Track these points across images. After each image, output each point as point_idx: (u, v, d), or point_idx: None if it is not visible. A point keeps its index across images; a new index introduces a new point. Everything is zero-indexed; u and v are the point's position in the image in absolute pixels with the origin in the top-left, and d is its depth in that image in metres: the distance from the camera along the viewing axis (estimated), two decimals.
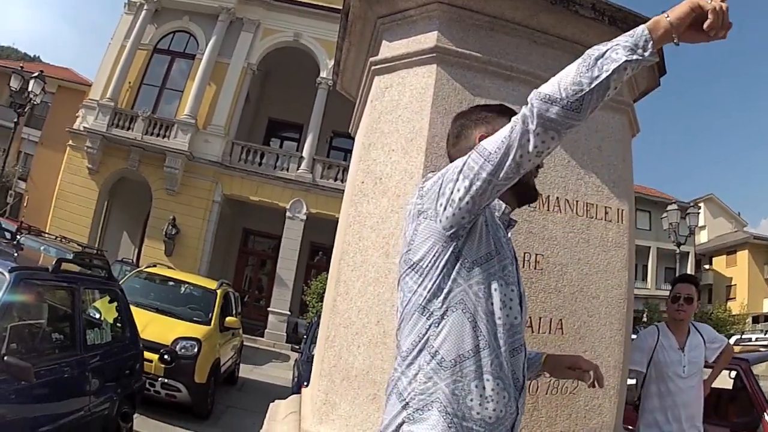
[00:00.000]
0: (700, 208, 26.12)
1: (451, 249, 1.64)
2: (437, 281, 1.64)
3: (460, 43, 2.96)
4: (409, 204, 1.77)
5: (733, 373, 5.74)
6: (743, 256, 44.13)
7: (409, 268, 1.70)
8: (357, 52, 3.69)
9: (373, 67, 3.15)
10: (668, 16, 1.48)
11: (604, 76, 1.45)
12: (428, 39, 2.97)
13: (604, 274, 3.06)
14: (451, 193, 1.60)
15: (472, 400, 1.57)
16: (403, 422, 1.60)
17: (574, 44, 3.11)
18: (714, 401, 4.09)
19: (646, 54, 1.47)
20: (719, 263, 46.10)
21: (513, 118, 1.55)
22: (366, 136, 3.07)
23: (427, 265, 1.65)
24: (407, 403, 1.60)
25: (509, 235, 1.85)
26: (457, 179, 1.60)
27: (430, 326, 1.62)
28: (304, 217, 23.07)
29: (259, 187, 23.38)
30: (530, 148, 1.50)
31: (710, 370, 4.32)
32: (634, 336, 3.70)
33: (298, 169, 23.60)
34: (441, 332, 1.61)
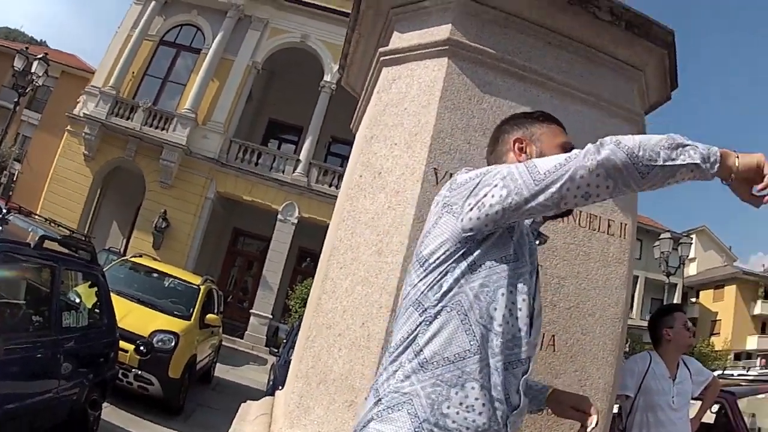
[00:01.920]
0: (692, 239, 25.91)
1: (463, 250, 1.57)
2: (439, 278, 1.56)
3: (473, 38, 2.85)
4: (439, 195, 1.70)
5: (716, 407, 5.61)
6: (731, 291, 43.82)
7: (417, 261, 1.64)
8: (366, 43, 3.58)
9: (381, 58, 3.04)
10: (738, 157, 1.49)
11: (677, 162, 1.44)
12: (441, 31, 2.86)
13: (602, 291, 2.91)
14: (484, 196, 1.54)
15: (449, 407, 1.47)
16: (372, 418, 1.52)
17: (588, 48, 3.04)
18: None
19: (709, 169, 1.46)
20: (706, 297, 45.70)
21: (574, 150, 1.50)
22: (369, 128, 2.94)
23: (433, 261, 1.59)
24: (380, 400, 1.53)
25: (536, 244, 1.79)
26: (496, 185, 1.53)
27: (420, 323, 1.55)
28: (296, 221, 22.93)
29: (254, 187, 23.25)
30: (581, 185, 1.45)
31: (697, 404, 4.18)
32: None
33: (293, 172, 23.47)
34: (429, 331, 1.53)
